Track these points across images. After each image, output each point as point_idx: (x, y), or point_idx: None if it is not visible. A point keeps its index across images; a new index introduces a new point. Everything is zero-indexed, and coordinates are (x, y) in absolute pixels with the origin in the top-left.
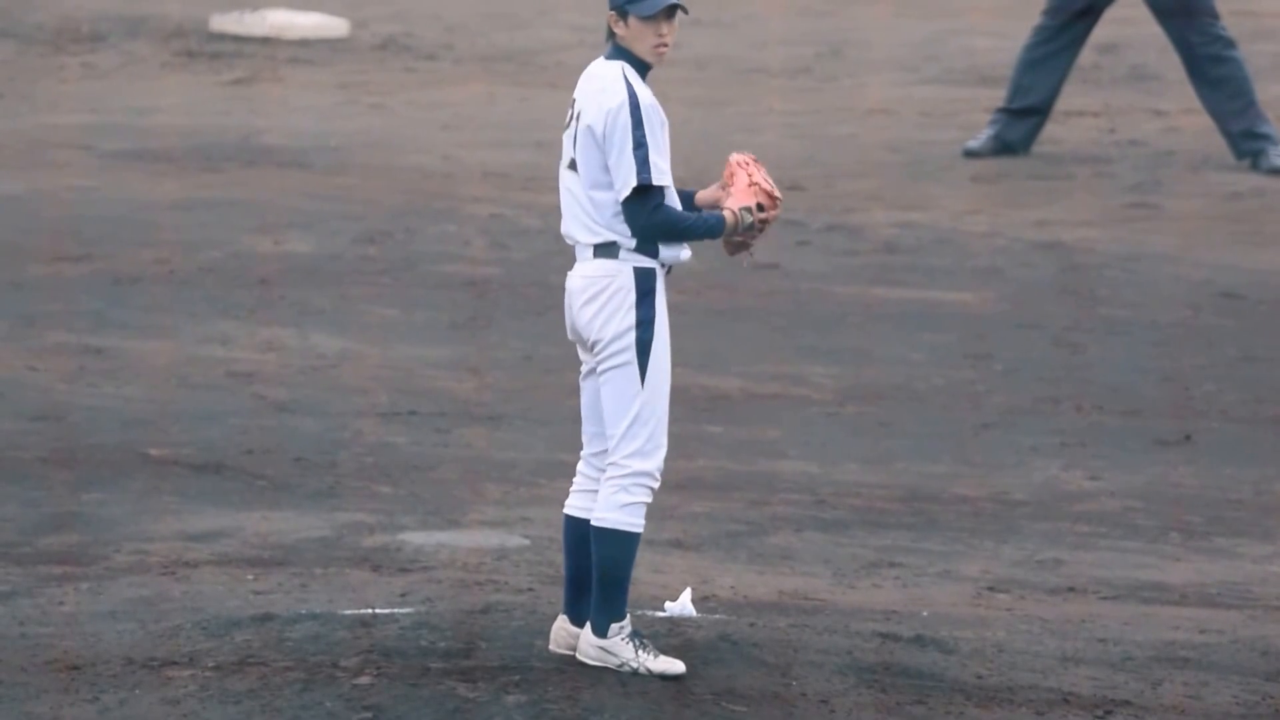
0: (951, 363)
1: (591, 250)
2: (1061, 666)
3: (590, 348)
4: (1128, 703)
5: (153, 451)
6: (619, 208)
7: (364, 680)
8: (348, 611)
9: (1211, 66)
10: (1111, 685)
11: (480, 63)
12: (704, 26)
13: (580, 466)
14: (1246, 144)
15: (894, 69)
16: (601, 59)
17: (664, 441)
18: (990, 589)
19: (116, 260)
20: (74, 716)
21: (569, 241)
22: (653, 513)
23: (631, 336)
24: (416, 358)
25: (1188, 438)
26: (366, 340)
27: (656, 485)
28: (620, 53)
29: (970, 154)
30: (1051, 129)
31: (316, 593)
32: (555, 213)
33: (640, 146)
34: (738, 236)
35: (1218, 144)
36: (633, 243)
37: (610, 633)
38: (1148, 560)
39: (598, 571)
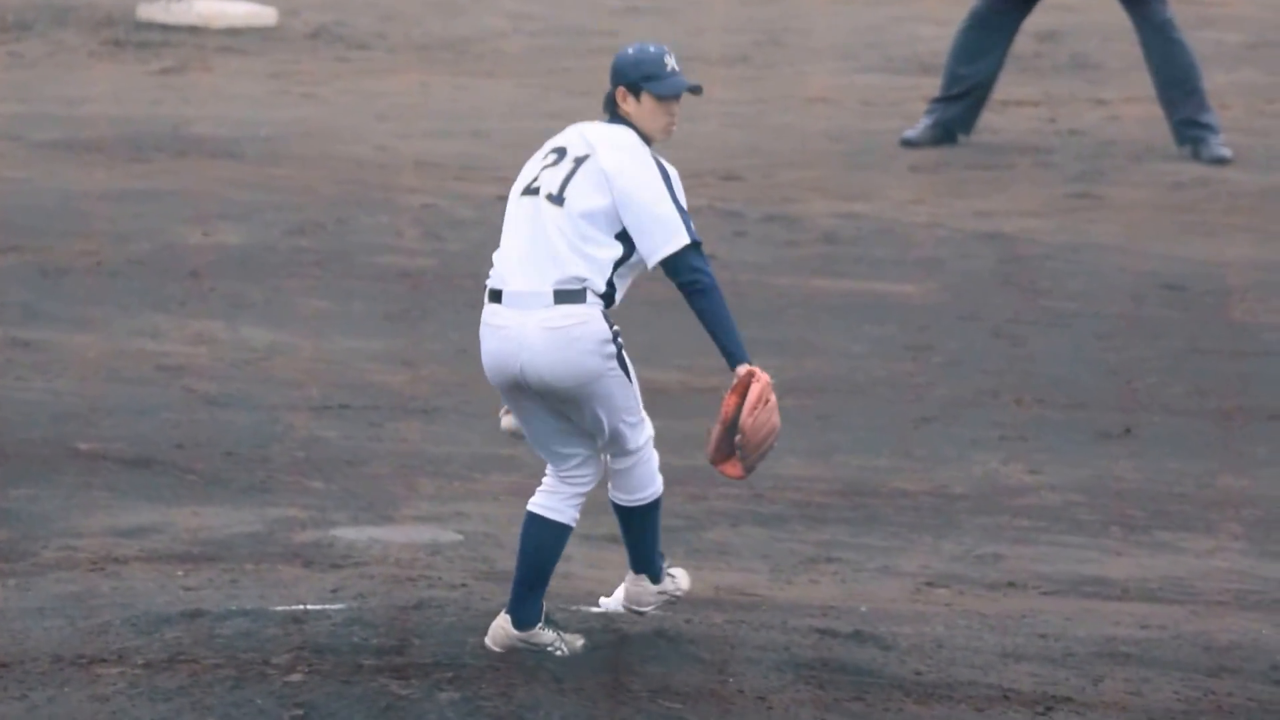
0: (892, 355)
1: (553, 296)
2: (1001, 662)
3: (566, 394)
4: (1069, 699)
5: (82, 446)
6: (611, 254)
7: (295, 677)
8: (279, 608)
9: (1161, 48)
10: (1052, 681)
11: (415, 51)
12: (642, 14)
13: (550, 470)
14: (1188, 131)
15: (835, 57)
16: (602, 123)
17: None
18: (929, 584)
19: (45, 252)
20: (1, 714)
21: (517, 284)
22: (589, 508)
23: (614, 358)
24: (349, 350)
25: (1129, 431)
26: (299, 333)
27: None
28: (624, 120)
29: (908, 143)
30: (991, 118)
31: (247, 589)
32: (491, 204)
33: (683, 211)
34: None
35: (1160, 133)
36: (601, 288)
37: (661, 571)
38: (1089, 555)
39: (647, 535)
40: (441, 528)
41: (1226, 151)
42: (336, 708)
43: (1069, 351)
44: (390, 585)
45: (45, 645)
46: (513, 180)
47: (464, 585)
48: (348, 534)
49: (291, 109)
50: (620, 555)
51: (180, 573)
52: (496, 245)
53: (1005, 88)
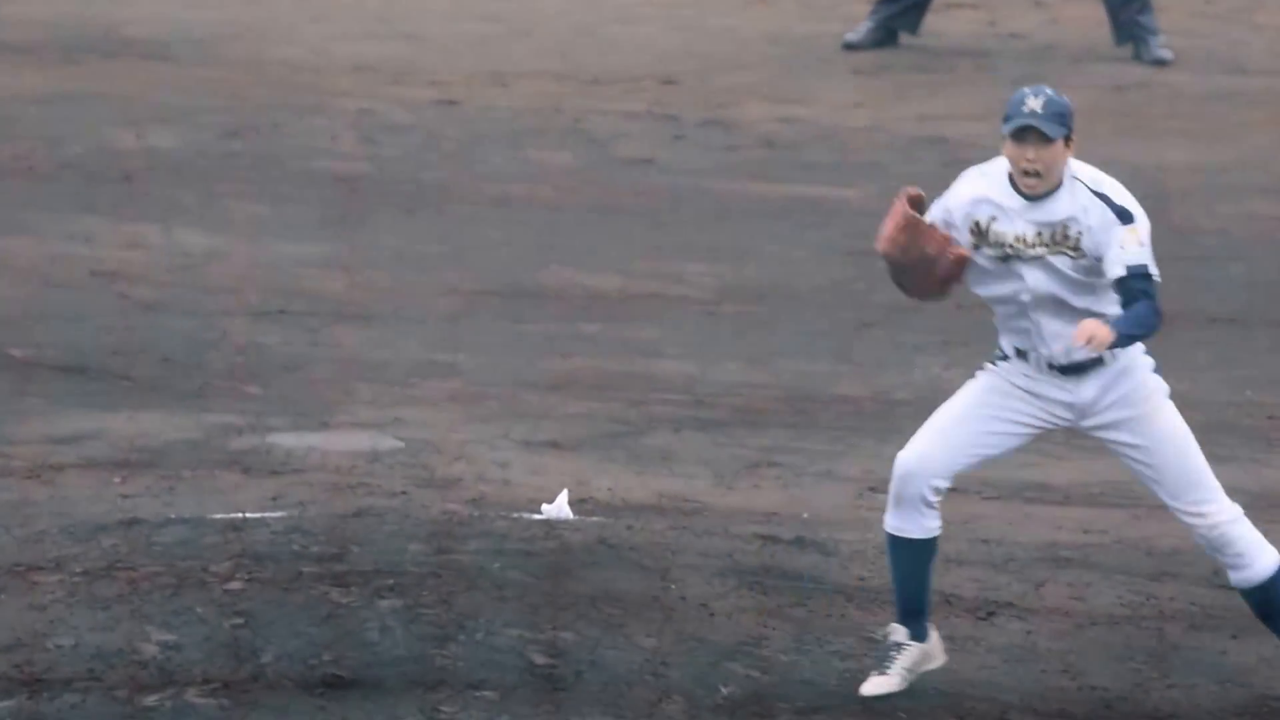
0: (833, 260)
1: None
2: (944, 568)
3: None
4: (1010, 604)
5: (16, 353)
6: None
7: (235, 585)
8: (217, 515)
9: None
10: (994, 586)
11: None
12: None
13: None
14: (1127, 31)
15: None
16: None
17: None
18: (872, 489)
19: None
20: None
21: None
22: (529, 412)
23: None
24: (286, 255)
25: None
26: (234, 237)
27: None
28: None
29: (849, 46)
30: (932, 21)
31: (185, 496)
32: (427, 108)
33: None
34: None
35: (1100, 36)
36: None
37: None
38: (1031, 459)
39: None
40: (380, 434)
41: (1167, 53)
42: (276, 615)
43: None
44: (330, 492)
45: None
46: (448, 83)
47: (404, 493)
48: (286, 440)
49: (225, 10)
50: (559, 462)
51: (117, 480)
52: (434, 150)
53: None
